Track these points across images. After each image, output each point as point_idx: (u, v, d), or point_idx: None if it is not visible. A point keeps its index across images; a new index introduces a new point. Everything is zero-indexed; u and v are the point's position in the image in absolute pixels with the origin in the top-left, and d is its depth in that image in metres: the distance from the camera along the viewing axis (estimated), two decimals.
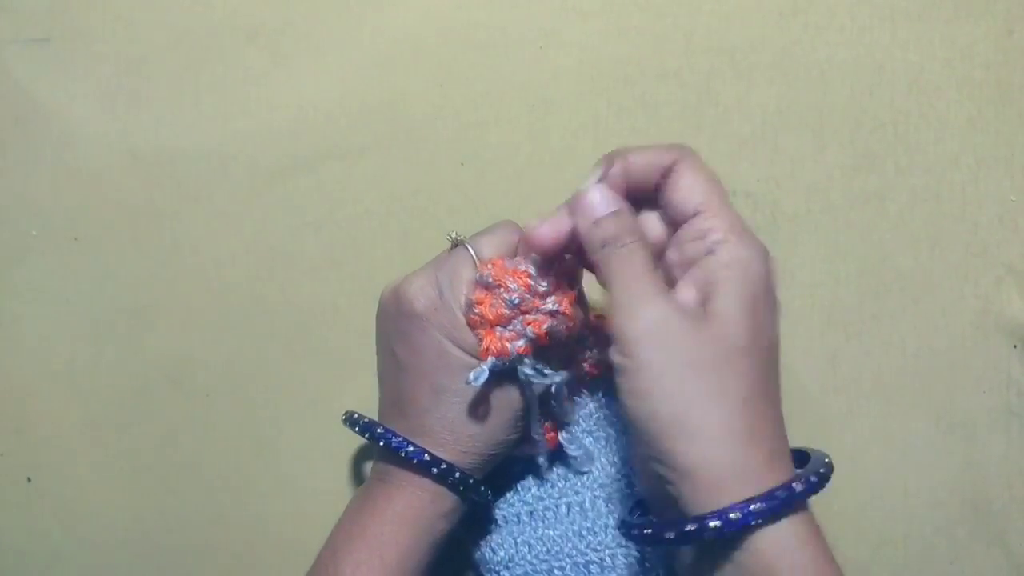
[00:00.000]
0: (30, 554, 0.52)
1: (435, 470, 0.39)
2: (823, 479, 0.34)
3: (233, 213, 0.51)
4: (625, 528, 0.37)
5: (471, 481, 0.40)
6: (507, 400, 0.40)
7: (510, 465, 0.44)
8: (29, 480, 0.51)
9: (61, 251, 0.51)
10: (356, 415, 0.42)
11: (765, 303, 0.35)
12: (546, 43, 0.50)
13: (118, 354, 0.51)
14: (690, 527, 0.32)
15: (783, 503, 0.32)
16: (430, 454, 0.39)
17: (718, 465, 0.33)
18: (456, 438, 0.40)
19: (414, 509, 0.39)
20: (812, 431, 0.48)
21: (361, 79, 0.50)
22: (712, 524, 0.32)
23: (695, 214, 0.37)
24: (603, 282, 0.37)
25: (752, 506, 0.32)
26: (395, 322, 0.40)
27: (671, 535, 0.33)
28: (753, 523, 0.32)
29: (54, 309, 0.51)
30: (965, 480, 0.48)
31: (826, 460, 0.36)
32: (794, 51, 0.49)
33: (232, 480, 0.51)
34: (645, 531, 0.35)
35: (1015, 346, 0.48)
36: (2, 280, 0.51)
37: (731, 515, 0.32)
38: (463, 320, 0.39)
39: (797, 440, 0.49)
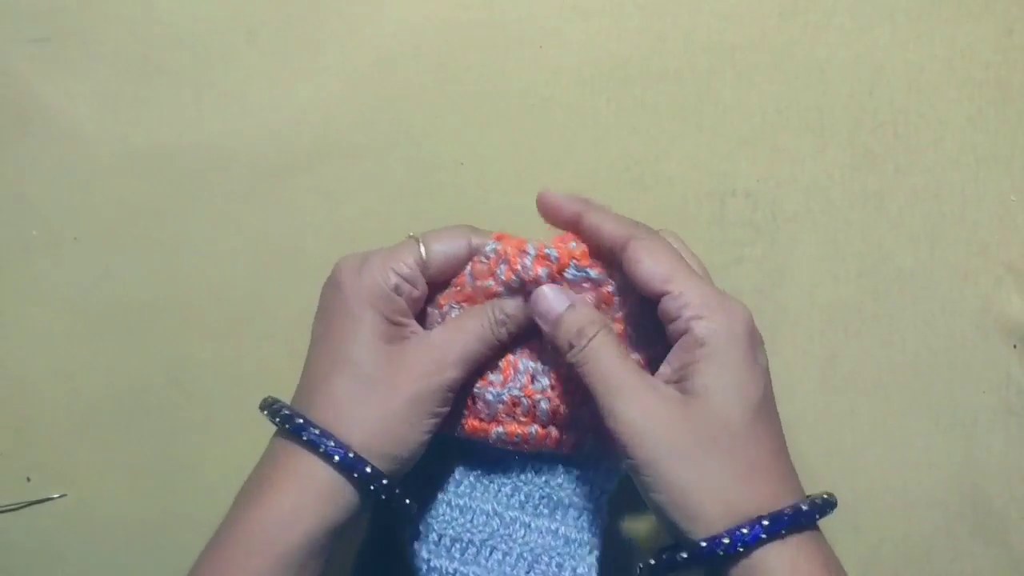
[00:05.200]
0: (31, 554, 0.52)
1: (322, 447, 0.36)
2: (827, 504, 0.37)
3: (233, 213, 0.51)
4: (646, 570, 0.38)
5: (368, 470, 0.37)
6: (420, 382, 0.38)
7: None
8: (29, 480, 0.51)
9: (61, 251, 0.51)
10: (270, 399, 0.40)
11: (747, 366, 0.36)
12: (546, 43, 0.50)
13: (118, 354, 0.51)
14: (703, 544, 0.34)
15: (789, 520, 0.34)
16: (320, 429, 0.37)
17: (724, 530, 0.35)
18: (344, 421, 0.37)
19: (304, 505, 0.37)
20: (812, 431, 0.49)
21: (361, 79, 0.50)
22: (724, 540, 0.34)
23: (663, 293, 0.37)
24: (585, 382, 0.38)
25: (761, 523, 0.34)
26: (321, 298, 0.41)
27: (684, 555, 0.35)
28: (763, 536, 0.34)
29: (54, 309, 0.51)
30: (965, 479, 0.48)
31: (827, 495, 0.38)
32: (794, 51, 0.49)
33: (232, 480, 0.51)
34: (662, 555, 0.37)
35: (1015, 346, 0.48)
36: (2, 280, 0.51)
37: (742, 530, 0.34)
38: (387, 291, 0.39)
39: (797, 440, 0.49)
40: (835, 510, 0.37)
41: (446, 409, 0.39)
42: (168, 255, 0.51)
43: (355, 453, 0.37)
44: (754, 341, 0.37)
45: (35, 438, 0.51)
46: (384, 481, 0.37)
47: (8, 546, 0.52)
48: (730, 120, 0.49)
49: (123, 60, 0.50)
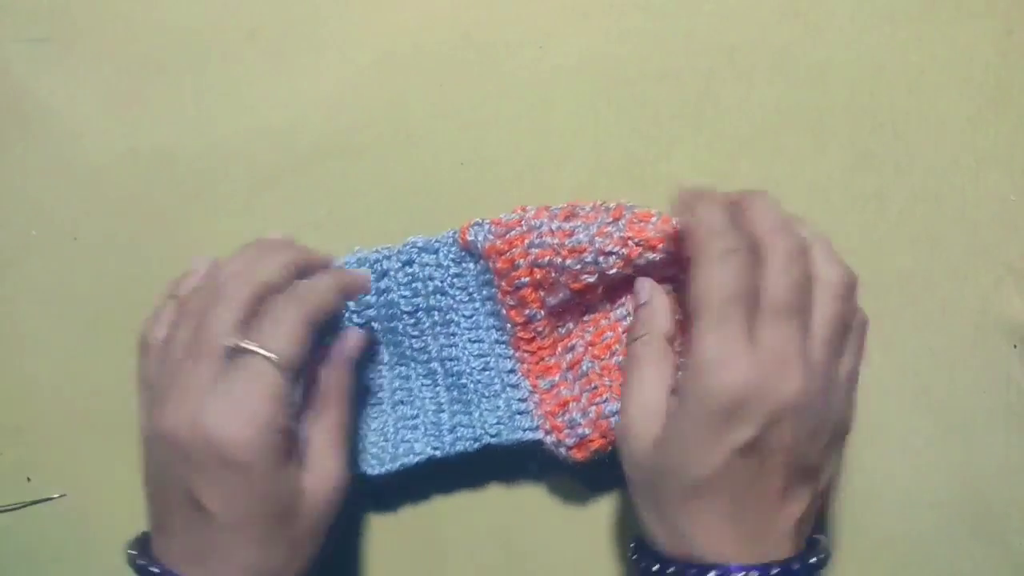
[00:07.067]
0: (31, 554, 0.52)
1: None
2: (816, 566, 0.36)
3: (233, 213, 0.51)
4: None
5: None
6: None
7: None
8: (29, 480, 0.51)
9: (61, 251, 0.51)
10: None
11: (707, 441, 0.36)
12: (546, 43, 0.50)
13: (118, 354, 0.51)
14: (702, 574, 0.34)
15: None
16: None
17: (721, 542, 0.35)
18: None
19: None
20: None
21: (361, 79, 0.50)
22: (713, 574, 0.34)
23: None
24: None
25: (751, 573, 0.34)
26: (202, 470, 0.37)
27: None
28: None
29: (54, 309, 0.51)
30: (965, 480, 0.48)
31: (822, 555, 0.37)
32: (794, 51, 0.49)
33: None
34: (653, 568, 0.37)
35: (1015, 346, 0.48)
36: (2, 280, 0.51)
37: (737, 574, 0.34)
38: (281, 447, 0.37)
39: None
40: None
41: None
42: (168, 255, 0.51)
43: None
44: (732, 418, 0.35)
45: (35, 438, 0.51)
46: None
47: (8, 546, 0.52)
48: (730, 120, 0.49)
49: (123, 60, 0.50)
